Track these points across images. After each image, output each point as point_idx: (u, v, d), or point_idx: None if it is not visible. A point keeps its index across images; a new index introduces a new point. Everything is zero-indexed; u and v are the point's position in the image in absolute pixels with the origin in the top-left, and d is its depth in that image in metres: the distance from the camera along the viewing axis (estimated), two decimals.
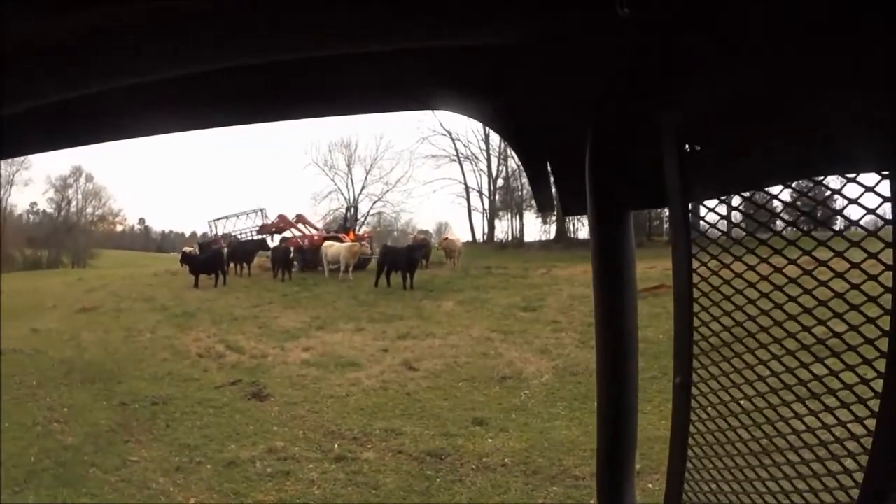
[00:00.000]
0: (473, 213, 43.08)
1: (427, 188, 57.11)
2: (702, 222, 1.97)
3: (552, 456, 12.52)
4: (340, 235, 33.73)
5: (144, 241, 46.44)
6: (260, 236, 34.20)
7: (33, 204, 44.36)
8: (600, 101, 2.12)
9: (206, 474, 12.64)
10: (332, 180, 43.38)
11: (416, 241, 30.39)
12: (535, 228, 41.77)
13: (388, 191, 43.39)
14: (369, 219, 43.95)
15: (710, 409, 2.03)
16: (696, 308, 2.00)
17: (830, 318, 1.66)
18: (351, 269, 28.76)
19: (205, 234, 35.21)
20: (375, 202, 43.58)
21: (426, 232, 36.39)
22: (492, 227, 42.74)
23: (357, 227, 39.67)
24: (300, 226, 35.02)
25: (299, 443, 13.88)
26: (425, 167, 54.53)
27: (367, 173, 43.61)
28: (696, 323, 2.00)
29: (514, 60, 2.02)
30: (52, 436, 14.08)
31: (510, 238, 40.76)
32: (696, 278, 1.99)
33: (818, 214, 1.74)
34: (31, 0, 1.70)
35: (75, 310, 25.03)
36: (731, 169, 1.89)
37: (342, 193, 43.43)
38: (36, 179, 47.27)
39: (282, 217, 35.30)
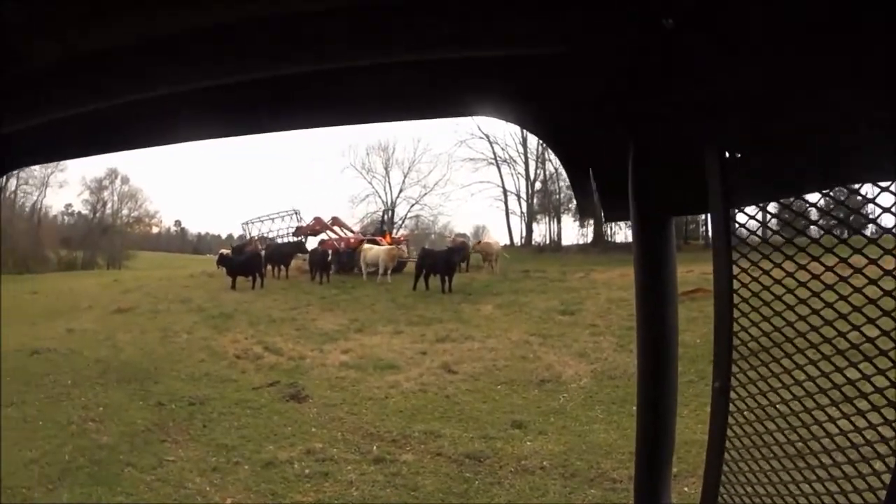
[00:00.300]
0: (511, 216, 42.94)
1: (465, 192, 56.76)
2: (741, 228, 2.02)
3: (590, 459, 12.50)
4: (377, 238, 33.70)
5: (181, 242, 46.68)
6: (296, 239, 34.10)
7: (68, 205, 44.71)
8: (641, 108, 2.15)
9: (244, 474, 12.61)
10: (370, 183, 43.50)
11: (454, 244, 30.09)
12: (573, 232, 41.72)
13: (425, 194, 43.36)
14: (407, 222, 44.12)
15: (746, 412, 2.07)
16: (736, 313, 2.03)
17: (864, 323, 1.69)
18: (389, 271, 28.59)
19: (241, 237, 35.17)
20: (413, 205, 43.65)
21: (464, 235, 36.13)
22: (529, 230, 42.63)
23: (395, 231, 39.68)
24: (336, 228, 35.07)
25: (338, 444, 13.84)
26: (463, 170, 54.96)
27: (405, 176, 43.64)
28: (735, 328, 2.04)
29: (555, 69, 2.09)
30: (86, 434, 14.08)
31: (548, 241, 40.67)
32: (735, 284, 2.03)
33: (851, 220, 1.80)
34: (66, 12, 1.80)
35: (111, 310, 25.09)
36: (770, 176, 1.92)
37: (380, 196, 43.56)
38: (71, 181, 47.76)
39: (318, 219, 35.37)
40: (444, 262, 26.84)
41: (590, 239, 38.33)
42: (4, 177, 38.68)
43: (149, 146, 2.66)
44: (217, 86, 2.13)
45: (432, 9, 1.84)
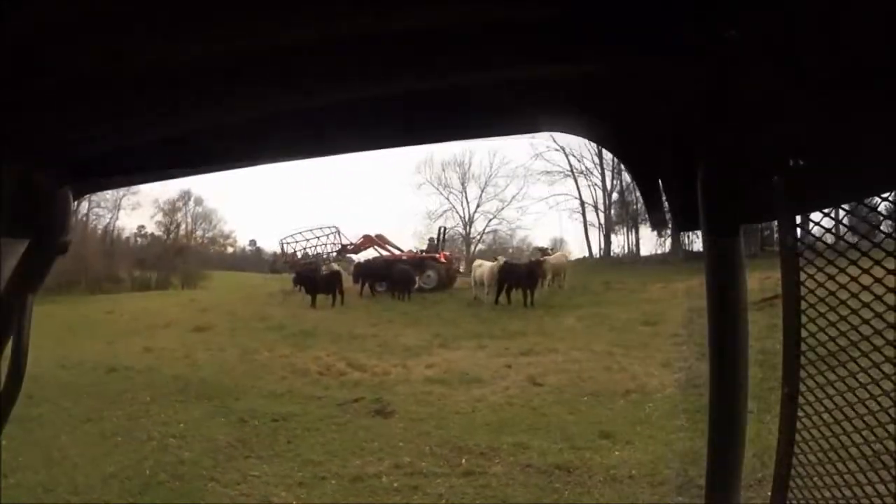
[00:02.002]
0: (589, 227, 43.15)
1: (542, 204, 57.00)
2: (808, 235, 2.07)
3: (677, 467, 12.44)
4: (435, 255, 34.16)
5: (256, 261, 47.31)
6: (344, 256, 34.47)
7: (140, 227, 46.37)
8: (707, 117, 2.17)
9: (331, 489, 12.66)
10: (447, 199, 43.82)
11: (536, 258, 29.95)
12: (651, 242, 41.46)
13: (503, 208, 43.99)
14: (485, 237, 44.42)
15: (815, 416, 2.13)
16: (804, 319, 2.08)
17: None
18: (494, 288, 28.25)
19: (305, 255, 35.36)
20: (491, 220, 43.94)
21: (545, 249, 35.84)
22: (608, 241, 42.99)
23: (474, 246, 39.85)
24: (384, 246, 35.60)
25: (426, 458, 13.87)
26: (539, 183, 54.84)
27: (482, 191, 44.14)
28: (804, 334, 2.09)
29: (621, 83, 2.12)
30: (168, 450, 14.27)
31: (626, 252, 40.61)
32: (802, 290, 2.08)
33: None
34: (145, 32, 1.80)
35: (189, 329, 25.62)
36: (835, 181, 1.94)
37: (457, 212, 43.93)
38: (144, 203, 49.05)
39: (367, 237, 35.95)
40: (527, 275, 27.00)
41: (668, 249, 38.02)
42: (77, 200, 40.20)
43: (225, 169, 2.79)
44: (292, 110, 2.23)
45: (503, 32, 1.87)
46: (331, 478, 12.97)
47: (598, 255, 41.78)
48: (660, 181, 2.40)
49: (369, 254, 35.81)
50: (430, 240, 37.22)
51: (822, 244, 2.03)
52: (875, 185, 1.84)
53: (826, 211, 2.02)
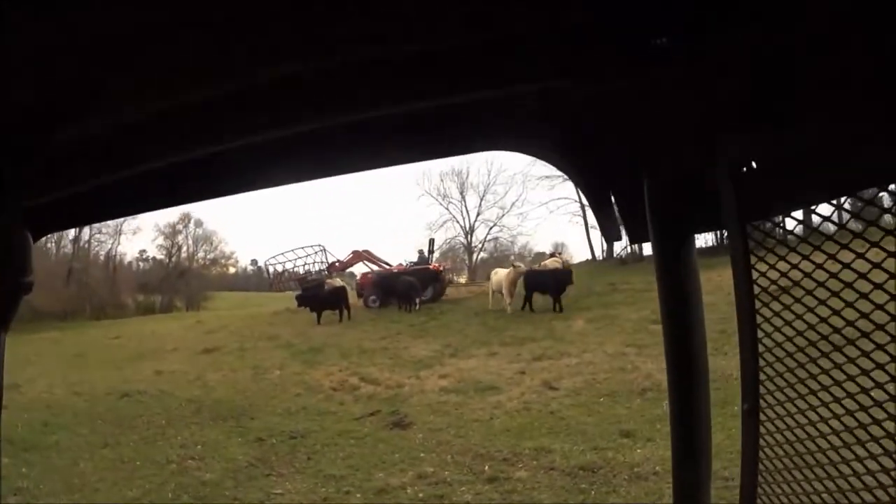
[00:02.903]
0: (591, 230, 43.12)
1: (542, 209, 56.98)
2: (755, 240, 2.09)
3: None
4: (428, 267, 34.20)
5: (258, 281, 47.24)
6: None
7: (142, 251, 46.82)
8: (655, 130, 2.23)
9: (357, 502, 12.73)
10: (447, 209, 43.95)
11: (561, 266, 29.80)
12: None
13: (503, 215, 44.25)
14: (486, 245, 44.43)
15: (781, 427, 2.13)
16: (760, 334, 2.11)
17: (888, 342, 1.70)
18: (513, 295, 28.19)
19: (308, 272, 35.26)
20: (492, 227, 44.04)
21: (554, 256, 35.74)
22: (610, 243, 42.29)
23: (476, 254, 39.87)
24: (373, 261, 35.76)
25: (448, 467, 13.93)
26: (539, 189, 54.98)
27: (482, 199, 44.35)
28: (761, 349, 2.11)
29: (569, 99, 2.19)
30: (188, 472, 14.34)
31: (629, 253, 40.50)
32: (757, 303, 2.11)
33: (863, 212, 1.86)
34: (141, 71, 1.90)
35: (197, 351, 25.74)
36: (786, 188, 1.98)
37: (457, 221, 44.12)
38: (144, 228, 49.37)
39: (356, 252, 36.23)
40: (553, 282, 26.98)
41: None
42: (77, 228, 40.29)
43: (223, 196, 2.78)
44: (285, 136, 2.24)
45: (451, 59, 1.94)
46: (355, 491, 13.03)
47: (600, 258, 41.68)
48: (611, 193, 2.46)
49: (360, 269, 36.05)
50: (420, 252, 37.09)
51: (774, 255, 2.06)
52: (821, 192, 1.88)
53: (776, 220, 2.08)
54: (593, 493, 12.26)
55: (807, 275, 1.96)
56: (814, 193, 1.89)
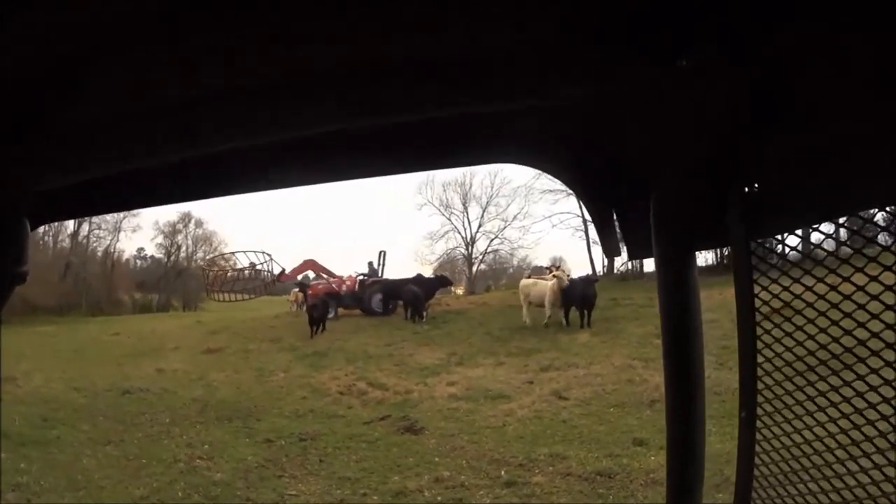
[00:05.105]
0: (592, 246, 42.72)
1: (545, 223, 57.00)
2: (760, 257, 2.13)
3: (712, 467, 12.29)
4: (377, 279, 33.61)
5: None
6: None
7: (140, 249, 46.68)
8: (661, 148, 2.26)
9: None
10: (448, 219, 43.88)
11: (587, 279, 29.51)
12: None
13: (505, 227, 44.01)
14: (486, 257, 44.49)
15: (777, 434, 2.18)
16: (760, 345, 2.15)
17: (882, 348, 1.76)
18: (556, 307, 27.31)
19: (305, 277, 34.92)
20: (493, 239, 44.06)
21: (559, 268, 35.63)
22: (611, 259, 42.39)
23: (475, 266, 39.90)
24: (321, 272, 34.89)
25: (465, 471, 14.06)
26: (542, 202, 54.98)
27: (484, 211, 44.15)
28: (760, 359, 2.16)
29: (576, 116, 2.25)
30: (197, 472, 14.32)
31: (630, 269, 40.49)
32: (758, 316, 2.14)
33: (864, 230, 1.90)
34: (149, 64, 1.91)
35: (199, 351, 25.68)
36: (790, 206, 2.02)
37: (458, 232, 43.92)
38: (144, 226, 49.24)
39: (309, 261, 35.41)
40: (581, 295, 26.44)
41: None
42: (76, 222, 40.29)
43: (224, 195, 2.83)
44: (289, 139, 2.29)
45: (455, 70, 1.95)
46: (372, 493, 13.07)
47: (601, 273, 41.40)
48: (614, 210, 2.49)
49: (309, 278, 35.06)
50: (370, 263, 36.39)
51: (778, 270, 2.09)
52: (827, 211, 1.90)
53: (779, 237, 2.08)
54: (612, 497, 12.56)
55: (808, 288, 2.00)
56: (817, 213, 1.93)
